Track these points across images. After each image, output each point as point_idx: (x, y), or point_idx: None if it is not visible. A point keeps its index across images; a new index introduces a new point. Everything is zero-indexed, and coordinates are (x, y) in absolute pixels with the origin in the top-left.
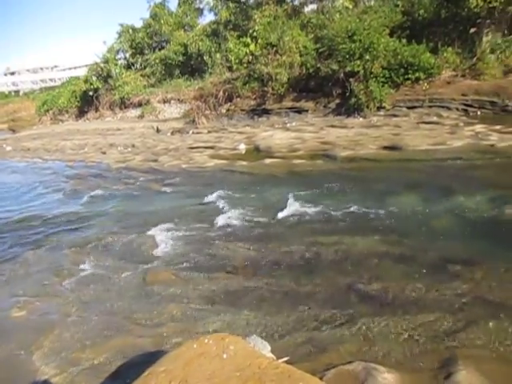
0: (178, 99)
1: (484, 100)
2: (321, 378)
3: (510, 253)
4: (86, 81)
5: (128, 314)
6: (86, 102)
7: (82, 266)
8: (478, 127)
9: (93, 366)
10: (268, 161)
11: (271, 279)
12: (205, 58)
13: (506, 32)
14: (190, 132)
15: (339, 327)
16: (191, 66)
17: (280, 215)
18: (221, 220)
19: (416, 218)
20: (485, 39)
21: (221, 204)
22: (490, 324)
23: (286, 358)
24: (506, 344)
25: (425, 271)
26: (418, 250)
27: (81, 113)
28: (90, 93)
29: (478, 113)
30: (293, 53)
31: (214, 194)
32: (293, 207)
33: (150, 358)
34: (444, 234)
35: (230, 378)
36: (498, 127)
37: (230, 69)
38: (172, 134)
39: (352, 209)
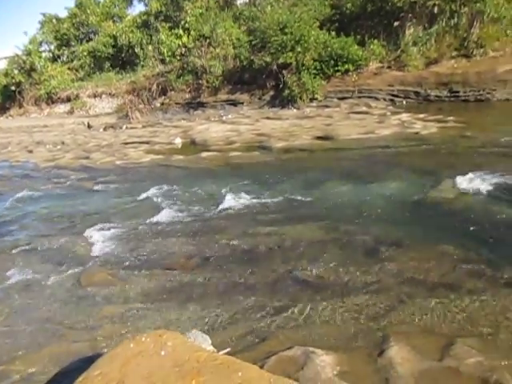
0: (110, 93)
1: (409, 90)
2: (262, 366)
3: (435, 233)
4: (6, 74)
5: (62, 320)
6: (8, 98)
7: (9, 273)
8: (404, 116)
9: (24, 377)
10: (205, 154)
11: (211, 272)
12: (136, 50)
13: (426, 25)
14: (124, 127)
15: (279, 315)
16: (122, 59)
17: (218, 208)
18: (158, 216)
19: (349, 204)
20: (407, 32)
21: (158, 200)
22: (418, 301)
23: (227, 350)
24: (431, 318)
25: (358, 255)
26: (352, 234)
27: (2, 109)
28: (12, 87)
29: (404, 102)
30: (226, 45)
31: (151, 190)
32: (231, 199)
33: (86, 363)
34: (375, 219)
35: (168, 375)
36: (421, 116)
37: (162, 61)
38: (104, 129)
39: (289, 198)
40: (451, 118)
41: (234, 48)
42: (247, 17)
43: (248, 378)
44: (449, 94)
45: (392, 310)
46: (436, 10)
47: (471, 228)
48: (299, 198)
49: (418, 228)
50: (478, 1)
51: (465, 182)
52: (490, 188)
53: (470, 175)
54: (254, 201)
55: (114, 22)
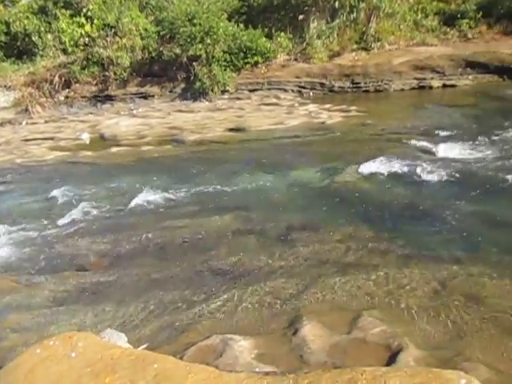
0: (5, 86)
1: (315, 82)
2: (181, 358)
3: (342, 216)
4: None
5: None
6: None
7: None
8: (311, 107)
9: None
10: (115, 149)
11: (126, 269)
12: (33, 38)
13: (329, 19)
14: (24, 123)
15: (196, 306)
16: (18, 48)
17: (131, 204)
18: (67, 216)
19: (261, 194)
20: (312, 26)
21: (65, 199)
22: (328, 280)
23: (144, 346)
24: (340, 295)
25: (272, 241)
26: (264, 222)
27: None
28: None
29: (310, 93)
30: (133, 35)
31: (57, 189)
32: (144, 195)
33: None
34: (286, 206)
35: (80, 376)
36: (327, 106)
37: (64, 51)
38: (1, 125)
39: (203, 190)
40: (354, 107)
41: (142, 39)
42: (154, 6)
43: (164, 368)
44: (351, 85)
45: (304, 290)
46: (337, 4)
47: (374, 209)
48: (213, 189)
49: (327, 212)
50: None
51: (367, 166)
52: (390, 171)
53: (372, 160)
54: (168, 195)
55: (5, 6)
